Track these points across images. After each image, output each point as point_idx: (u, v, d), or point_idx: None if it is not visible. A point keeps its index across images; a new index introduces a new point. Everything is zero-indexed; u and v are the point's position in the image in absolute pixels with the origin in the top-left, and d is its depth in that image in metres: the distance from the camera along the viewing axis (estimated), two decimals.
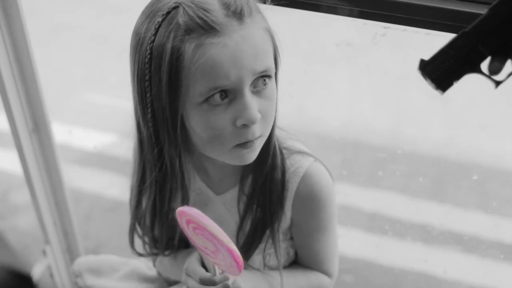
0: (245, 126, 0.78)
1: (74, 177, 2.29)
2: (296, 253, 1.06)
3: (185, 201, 0.93)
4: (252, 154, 0.83)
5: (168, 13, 0.75)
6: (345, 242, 1.39)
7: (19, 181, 1.70)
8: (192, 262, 0.91)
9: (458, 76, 0.66)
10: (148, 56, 0.76)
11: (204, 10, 0.73)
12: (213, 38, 0.73)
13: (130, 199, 1.02)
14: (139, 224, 1.02)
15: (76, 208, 1.59)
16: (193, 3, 0.73)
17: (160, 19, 0.75)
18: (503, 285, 1.82)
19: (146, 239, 1.03)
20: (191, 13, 0.73)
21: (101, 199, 2.31)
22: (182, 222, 0.81)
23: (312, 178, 0.92)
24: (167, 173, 0.88)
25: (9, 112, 1.30)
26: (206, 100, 0.76)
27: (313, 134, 2.38)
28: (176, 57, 0.74)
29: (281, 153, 0.93)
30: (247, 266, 1.01)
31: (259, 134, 0.80)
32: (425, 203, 2.12)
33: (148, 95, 0.78)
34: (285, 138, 0.96)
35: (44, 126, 1.38)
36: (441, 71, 0.66)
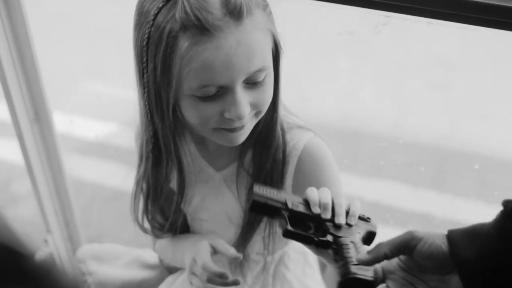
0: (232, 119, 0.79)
1: (75, 167, 2.29)
2: None
3: (181, 180, 0.94)
4: (240, 137, 0.84)
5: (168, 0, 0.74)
6: None
7: (20, 170, 1.70)
8: (202, 251, 0.92)
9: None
10: (146, 40, 0.76)
11: (202, 8, 0.71)
12: (207, 40, 0.72)
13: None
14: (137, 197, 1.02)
15: (77, 198, 1.59)
16: None
17: (160, 5, 0.74)
18: None
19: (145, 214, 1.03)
20: (188, 9, 0.71)
21: (102, 188, 2.31)
22: None
23: (312, 151, 0.92)
24: (161, 150, 0.89)
25: (10, 101, 1.30)
26: (197, 93, 0.76)
27: (314, 124, 2.37)
28: (170, 53, 0.74)
29: (282, 127, 0.92)
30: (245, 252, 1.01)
31: (247, 121, 0.81)
32: (427, 192, 2.12)
33: (145, 76, 0.79)
34: (286, 113, 0.96)
35: (45, 115, 1.38)
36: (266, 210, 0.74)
